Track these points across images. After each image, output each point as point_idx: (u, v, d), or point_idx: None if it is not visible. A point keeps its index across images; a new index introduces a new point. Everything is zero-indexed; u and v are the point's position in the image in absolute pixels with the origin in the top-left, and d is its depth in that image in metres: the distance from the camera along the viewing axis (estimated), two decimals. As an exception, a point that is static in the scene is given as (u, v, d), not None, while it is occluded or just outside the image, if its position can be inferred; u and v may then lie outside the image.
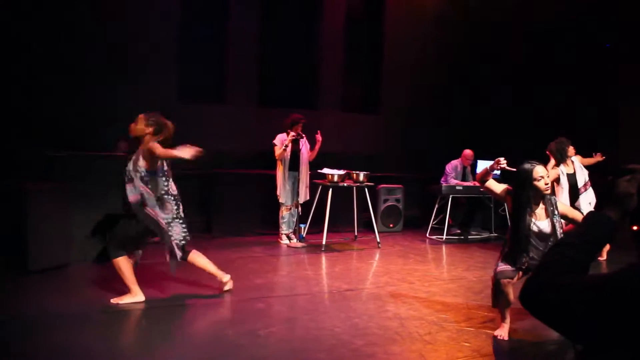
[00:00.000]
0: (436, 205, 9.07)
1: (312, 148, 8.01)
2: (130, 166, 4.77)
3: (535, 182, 4.14)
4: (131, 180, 4.73)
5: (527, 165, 4.19)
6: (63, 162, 6.39)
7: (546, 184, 4.17)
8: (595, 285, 1.22)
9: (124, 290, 4.94)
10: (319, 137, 7.97)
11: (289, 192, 7.86)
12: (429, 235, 9.06)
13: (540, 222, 4.21)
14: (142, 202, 4.70)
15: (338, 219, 8.62)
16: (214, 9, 9.61)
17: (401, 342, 4.17)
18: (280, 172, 7.80)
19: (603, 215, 1.38)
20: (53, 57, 7.96)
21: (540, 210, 4.25)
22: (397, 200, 9.51)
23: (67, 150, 6.60)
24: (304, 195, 7.93)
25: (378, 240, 8.09)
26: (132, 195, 4.72)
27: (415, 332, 4.38)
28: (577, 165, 7.11)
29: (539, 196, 4.22)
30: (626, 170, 1.40)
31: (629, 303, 1.14)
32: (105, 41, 8.25)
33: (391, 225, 9.44)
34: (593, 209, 1.48)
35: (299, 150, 7.81)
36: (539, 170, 4.16)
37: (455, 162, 9.18)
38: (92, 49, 8.18)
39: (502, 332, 4.35)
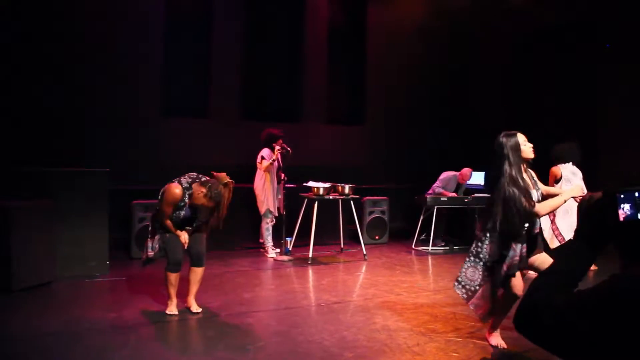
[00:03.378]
0: (421, 217, 9.11)
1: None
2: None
3: (523, 147, 4.13)
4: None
5: (507, 135, 4.15)
6: (44, 178, 6.34)
7: (531, 148, 4.17)
8: (583, 300, 1.24)
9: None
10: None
11: (275, 204, 7.92)
12: (415, 246, 9.10)
13: (532, 192, 4.12)
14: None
15: (324, 232, 8.63)
16: (198, 22, 9.63)
17: (390, 354, 4.18)
18: (266, 184, 7.82)
19: (580, 245, 1.41)
20: (35, 68, 7.93)
21: (527, 179, 4.15)
22: (383, 212, 9.53)
23: (47, 166, 6.56)
24: (282, 207, 7.99)
25: (364, 252, 8.11)
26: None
27: (404, 344, 4.39)
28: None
29: (525, 163, 4.18)
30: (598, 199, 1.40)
31: (612, 314, 1.16)
32: (88, 56, 8.24)
33: (377, 237, 9.46)
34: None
35: (279, 164, 7.88)
36: (522, 136, 4.18)
37: (451, 175, 9.03)
38: (75, 63, 8.16)
39: (500, 340, 4.36)
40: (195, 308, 5.13)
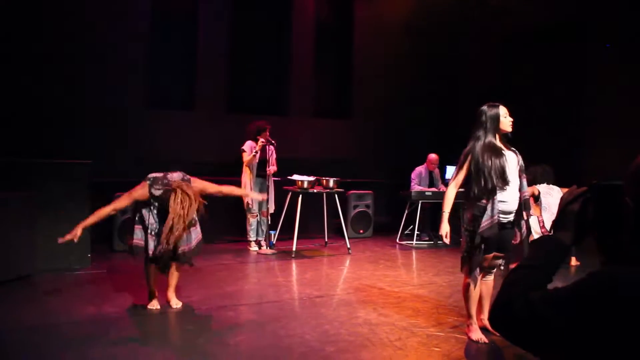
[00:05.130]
0: (406, 211, 9.11)
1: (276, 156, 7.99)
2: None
3: (503, 119, 4.26)
4: None
5: (489, 105, 4.31)
6: (25, 169, 6.26)
7: (510, 121, 4.28)
8: (560, 297, 1.23)
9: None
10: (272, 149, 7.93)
11: (257, 199, 7.81)
12: (399, 240, 9.10)
13: (507, 153, 4.27)
14: None
15: (308, 226, 8.62)
16: (184, 15, 9.54)
17: (372, 348, 4.16)
18: (247, 179, 7.74)
19: (555, 239, 1.40)
20: (18, 61, 7.81)
21: (502, 147, 4.30)
22: (367, 206, 9.53)
23: (30, 157, 6.47)
24: (272, 204, 7.89)
25: (348, 246, 8.10)
26: None
27: (386, 338, 4.38)
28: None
29: (501, 134, 4.30)
30: (580, 194, 1.40)
31: (588, 311, 1.15)
32: (72, 46, 8.13)
33: (361, 231, 9.46)
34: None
35: (267, 158, 7.77)
36: (504, 108, 4.30)
37: (419, 169, 9.23)
38: (59, 55, 8.05)
39: (480, 335, 4.38)
40: (175, 302, 5.08)
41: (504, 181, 4.16)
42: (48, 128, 7.88)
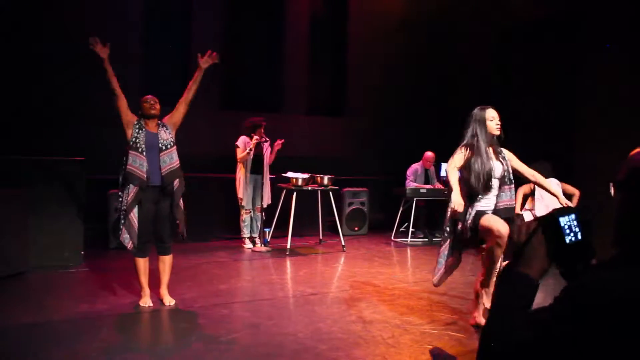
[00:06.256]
0: (401, 208, 9.11)
1: (271, 151, 7.97)
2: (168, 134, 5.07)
3: (489, 122, 4.37)
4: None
5: (479, 107, 4.45)
6: (19, 166, 6.23)
7: (497, 125, 4.38)
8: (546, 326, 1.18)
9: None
10: (279, 143, 7.93)
11: (250, 196, 7.80)
12: (394, 238, 9.10)
13: (494, 162, 4.39)
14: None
15: (303, 223, 8.60)
16: (177, 10, 9.50)
17: (365, 345, 4.16)
18: (242, 175, 7.72)
19: (522, 275, 1.29)
20: (12, 60, 7.76)
21: (491, 152, 4.41)
22: (362, 204, 9.52)
23: (23, 155, 6.44)
24: (267, 199, 7.88)
25: (343, 243, 8.09)
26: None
27: (379, 336, 4.38)
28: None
29: (490, 137, 4.40)
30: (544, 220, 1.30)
31: (574, 329, 1.12)
32: (64, 42, 8.07)
33: (356, 229, 9.45)
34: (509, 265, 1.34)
35: (262, 153, 7.75)
36: (491, 111, 4.41)
37: (415, 166, 9.22)
38: (52, 53, 8.00)
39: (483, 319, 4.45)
40: (168, 300, 5.06)
41: (487, 188, 4.32)
42: (43, 126, 7.84)
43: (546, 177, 6.90)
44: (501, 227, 4.13)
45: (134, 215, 4.77)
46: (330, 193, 8.06)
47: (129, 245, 4.80)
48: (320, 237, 8.66)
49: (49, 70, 8.01)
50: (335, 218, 8.20)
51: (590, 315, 1.09)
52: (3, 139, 7.29)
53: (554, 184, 6.79)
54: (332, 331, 4.46)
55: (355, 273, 6.67)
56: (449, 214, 4.44)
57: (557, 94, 9.10)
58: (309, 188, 7.89)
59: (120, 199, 4.82)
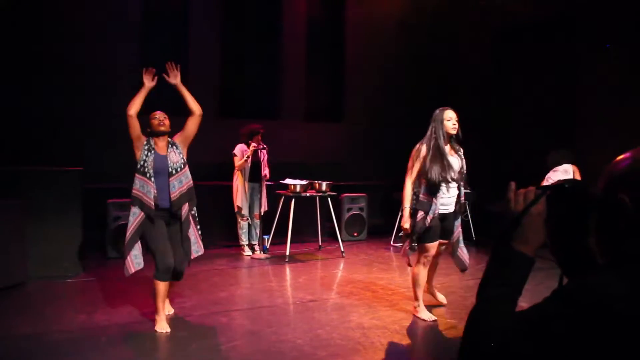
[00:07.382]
0: (400, 213, 9.09)
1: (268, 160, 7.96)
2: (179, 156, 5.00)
3: (446, 122, 4.80)
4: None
5: (440, 109, 4.96)
6: (17, 177, 6.24)
7: (454, 125, 4.80)
8: (529, 321, 1.17)
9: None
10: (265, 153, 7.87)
11: (247, 203, 7.79)
12: (394, 243, 9.10)
13: (451, 157, 4.79)
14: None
15: (302, 230, 8.59)
16: (174, 17, 9.52)
17: (363, 352, 4.16)
18: (239, 183, 7.72)
19: (516, 252, 1.27)
20: (9, 67, 7.78)
21: (448, 148, 4.86)
22: (361, 209, 9.52)
23: (21, 165, 6.46)
24: (264, 206, 7.88)
25: (342, 249, 8.09)
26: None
27: (378, 342, 4.38)
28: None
29: (448, 136, 4.83)
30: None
31: (560, 332, 1.12)
32: (62, 53, 8.11)
33: (355, 234, 9.44)
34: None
35: (260, 161, 7.75)
36: (449, 112, 4.87)
37: None
38: (50, 61, 8.02)
39: (428, 314, 4.94)
40: (167, 309, 5.04)
41: (445, 182, 4.70)
42: (41, 136, 7.85)
43: (566, 163, 6.89)
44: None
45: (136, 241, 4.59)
46: (329, 199, 8.06)
47: (132, 270, 4.58)
48: (320, 244, 8.65)
49: (44, 79, 8.02)
50: (334, 224, 8.19)
51: (588, 315, 1.09)
52: (2, 150, 7.30)
53: (561, 171, 6.72)
54: (332, 338, 4.47)
55: (355, 279, 6.67)
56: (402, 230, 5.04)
57: (557, 94, 9.12)
58: (308, 194, 7.90)
59: (128, 215, 4.65)
